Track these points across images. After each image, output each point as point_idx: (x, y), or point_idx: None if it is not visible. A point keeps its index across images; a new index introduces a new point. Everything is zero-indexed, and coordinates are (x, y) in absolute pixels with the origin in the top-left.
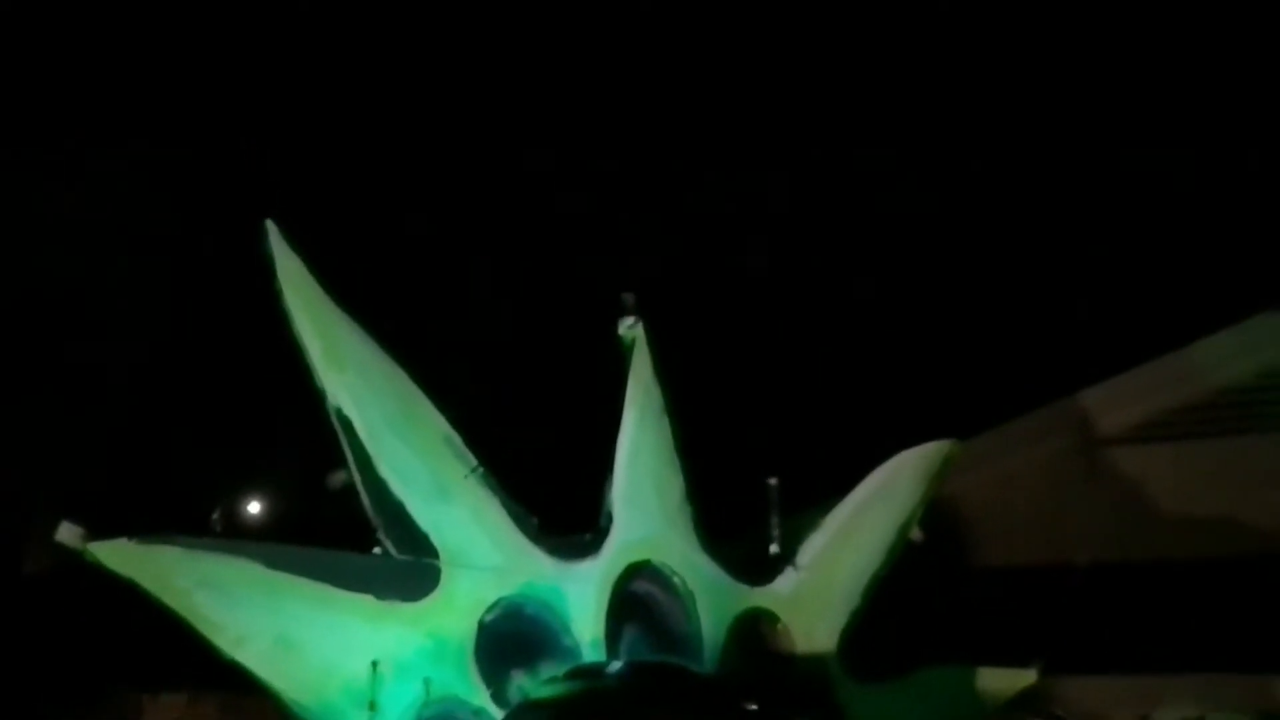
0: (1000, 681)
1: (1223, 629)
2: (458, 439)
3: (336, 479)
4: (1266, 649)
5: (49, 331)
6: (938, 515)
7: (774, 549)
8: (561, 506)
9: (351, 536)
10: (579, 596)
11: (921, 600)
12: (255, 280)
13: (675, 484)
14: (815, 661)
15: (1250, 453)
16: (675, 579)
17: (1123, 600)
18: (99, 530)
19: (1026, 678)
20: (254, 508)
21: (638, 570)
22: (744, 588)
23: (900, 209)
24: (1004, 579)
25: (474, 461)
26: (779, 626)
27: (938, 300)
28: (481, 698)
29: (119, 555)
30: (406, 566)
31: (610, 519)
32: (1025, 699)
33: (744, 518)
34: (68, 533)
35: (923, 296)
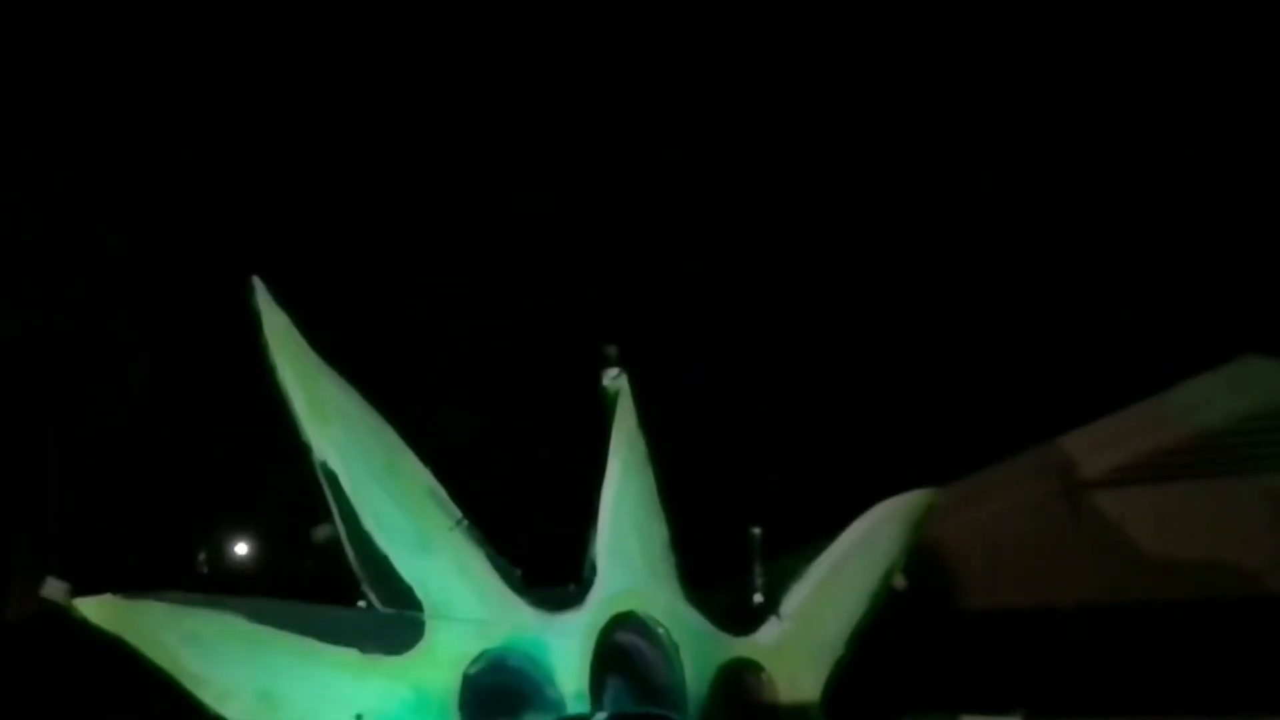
0: None
1: (1205, 672)
2: (442, 491)
3: (321, 532)
4: (1248, 692)
5: (34, 377)
6: (921, 559)
7: (757, 599)
8: (545, 558)
9: (336, 587)
10: (563, 648)
11: (905, 644)
12: (242, 333)
13: (659, 534)
14: (799, 711)
15: (1231, 495)
16: (659, 630)
17: (1106, 643)
18: (86, 579)
19: None
20: (240, 549)
21: (622, 621)
22: (727, 638)
23: (880, 256)
24: (987, 622)
25: (458, 514)
26: (763, 676)
27: (919, 347)
28: None
29: (104, 611)
30: (390, 619)
31: (594, 570)
32: None
33: (727, 567)
34: (53, 589)
35: (904, 344)
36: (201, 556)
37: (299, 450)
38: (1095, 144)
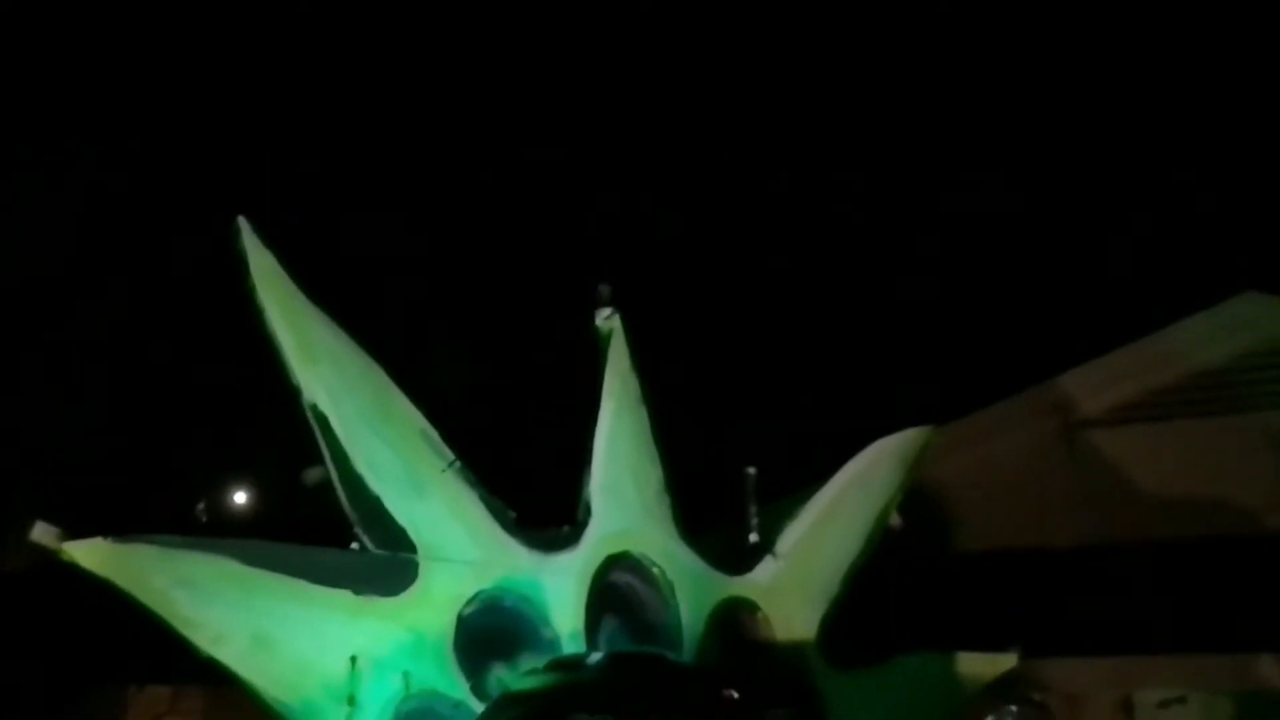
0: (979, 666)
1: (1204, 609)
2: (434, 433)
3: (313, 475)
4: (1247, 628)
5: (23, 326)
6: (918, 500)
7: (752, 538)
8: (539, 500)
9: (330, 532)
10: (558, 589)
11: (901, 585)
12: (231, 276)
13: (653, 475)
14: (794, 650)
15: (1229, 433)
16: (654, 569)
17: (1104, 582)
18: (79, 528)
19: (1006, 661)
20: (239, 498)
21: (616, 561)
22: (723, 577)
23: (878, 194)
24: (985, 563)
25: (450, 456)
26: (758, 615)
27: (915, 287)
28: (461, 691)
29: (95, 555)
30: (384, 561)
31: (588, 511)
32: (1005, 683)
33: (722, 508)
34: (43, 532)
35: (899, 283)
36: (200, 506)
37: (292, 394)
38: (1089, 77)
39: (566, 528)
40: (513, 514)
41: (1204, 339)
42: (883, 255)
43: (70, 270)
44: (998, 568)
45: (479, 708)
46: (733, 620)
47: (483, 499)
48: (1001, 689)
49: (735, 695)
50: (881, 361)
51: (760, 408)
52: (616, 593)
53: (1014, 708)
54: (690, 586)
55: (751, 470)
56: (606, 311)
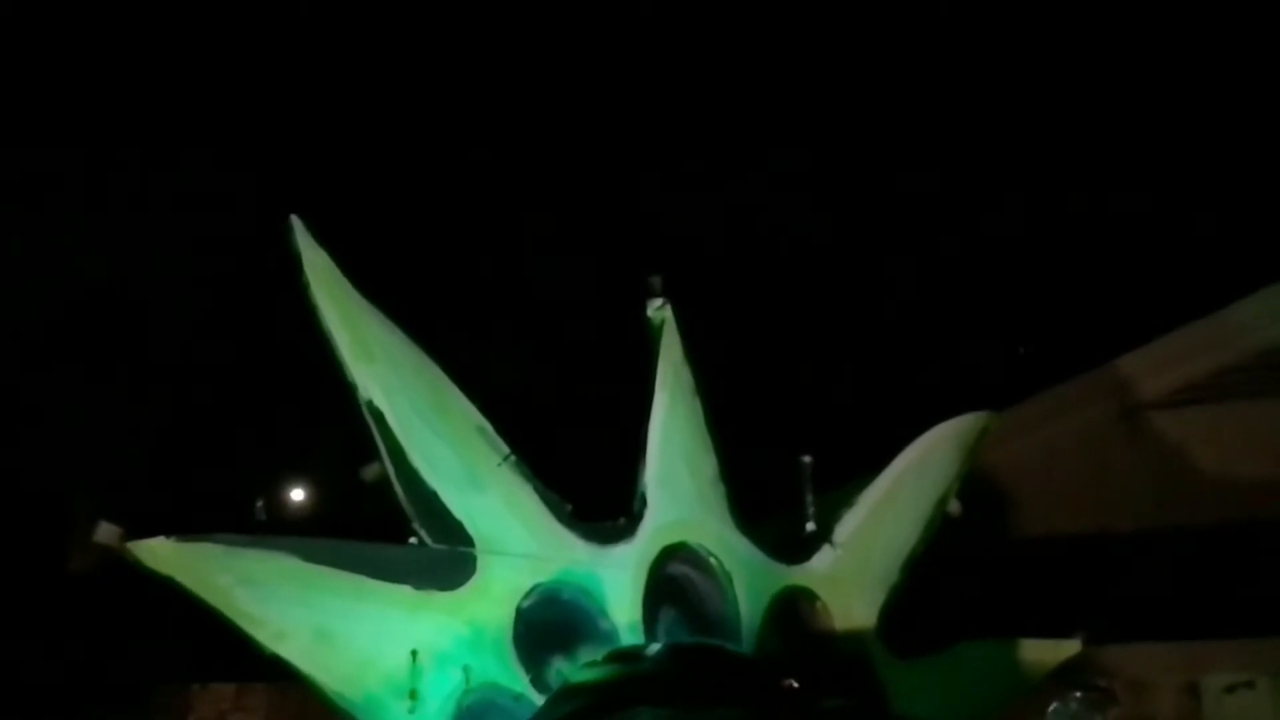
0: (1043, 653)
1: (1270, 592)
2: (489, 428)
3: (371, 471)
4: None
5: (90, 330)
6: (977, 486)
7: (810, 527)
8: (595, 492)
9: (388, 529)
10: (615, 580)
11: (962, 573)
12: (285, 274)
13: (708, 464)
14: (854, 639)
15: None
16: (711, 560)
17: (1167, 566)
18: (142, 526)
19: (1070, 648)
20: (296, 496)
21: (673, 552)
22: (781, 566)
23: (932, 176)
24: (1046, 548)
25: (506, 450)
26: (817, 605)
27: (973, 270)
28: (521, 684)
29: (158, 554)
30: (442, 556)
31: (644, 502)
32: (1069, 669)
33: (779, 497)
34: (106, 533)
35: (957, 266)
36: (259, 504)
37: (347, 392)
38: (1147, 52)
39: (623, 520)
40: (569, 507)
41: (1265, 317)
42: (941, 239)
43: (128, 272)
44: (1059, 553)
45: (539, 700)
46: (791, 610)
47: (539, 492)
48: (1065, 676)
49: (795, 685)
50: (938, 346)
51: (816, 396)
52: (674, 584)
53: (1079, 694)
54: (748, 576)
55: (807, 458)
56: (658, 302)
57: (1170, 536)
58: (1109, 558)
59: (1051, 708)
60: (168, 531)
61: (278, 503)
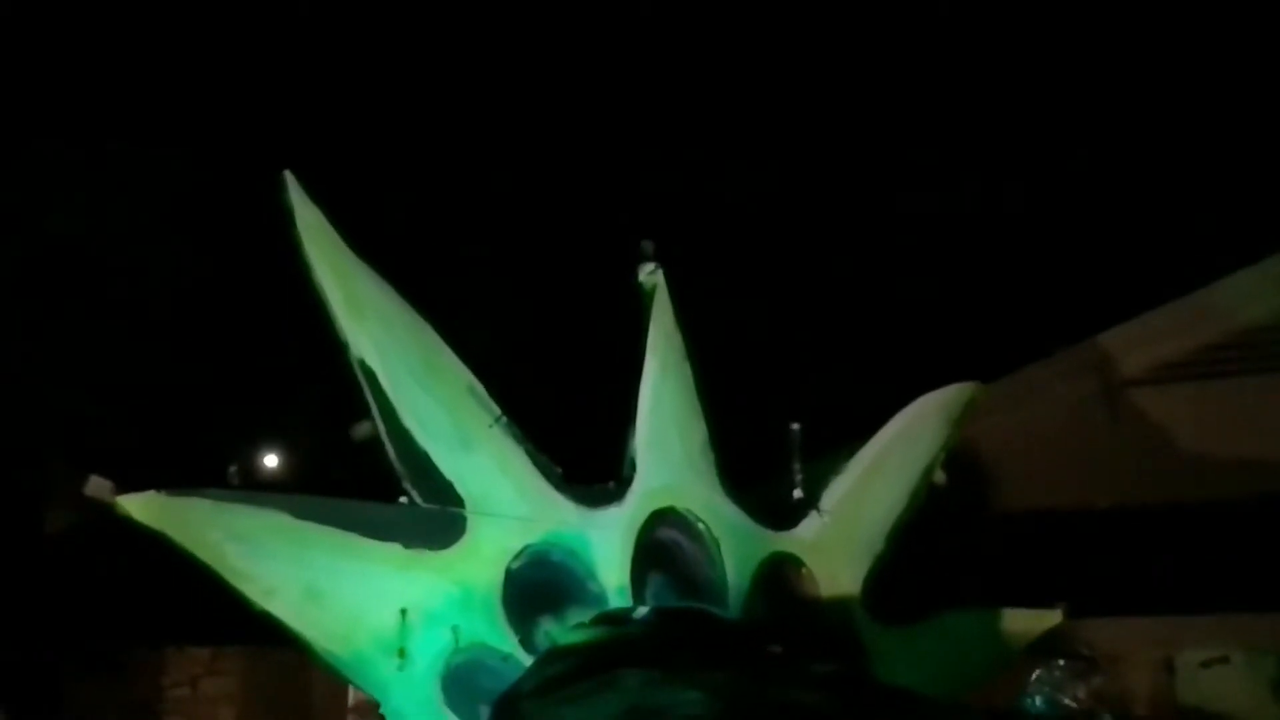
0: (1025, 623)
1: (1247, 569)
2: (480, 389)
3: (361, 429)
4: None
5: (63, 288)
6: (957, 461)
7: (797, 494)
8: (584, 455)
9: (366, 493)
10: (604, 543)
11: (941, 546)
12: (275, 231)
13: (698, 430)
14: (839, 605)
15: (1273, 391)
16: (699, 525)
17: (1145, 542)
18: (122, 486)
19: (1052, 618)
20: (270, 461)
21: (662, 517)
22: (768, 533)
23: (923, 149)
24: (1024, 523)
25: (497, 411)
26: (803, 571)
27: (955, 246)
28: (510, 644)
29: (149, 509)
30: (432, 515)
31: (633, 467)
32: (1050, 640)
33: (767, 464)
34: (96, 486)
35: (940, 242)
36: (233, 469)
37: (331, 356)
38: (1133, 30)
39: (612, 484)
40: (559, 469)
41: (1247, 295)
42: (929, 214)
43: (105, 230)
44: (1038, 528)
45: (528, 661)
46: (778, 576)
47: (529, 454)
48: (1046, 646)
49: (780, 650)
50: (920, 321)
51: (803, 365)
52: (662, 548)
53: (1062, 662)
54: (735, 542)
55: (796, 426)
56: (650, 267)
57: (1148, 513)
58: (1087, 533)
59: (1035, 675)
60: (152, 488)
61: (251, 468)
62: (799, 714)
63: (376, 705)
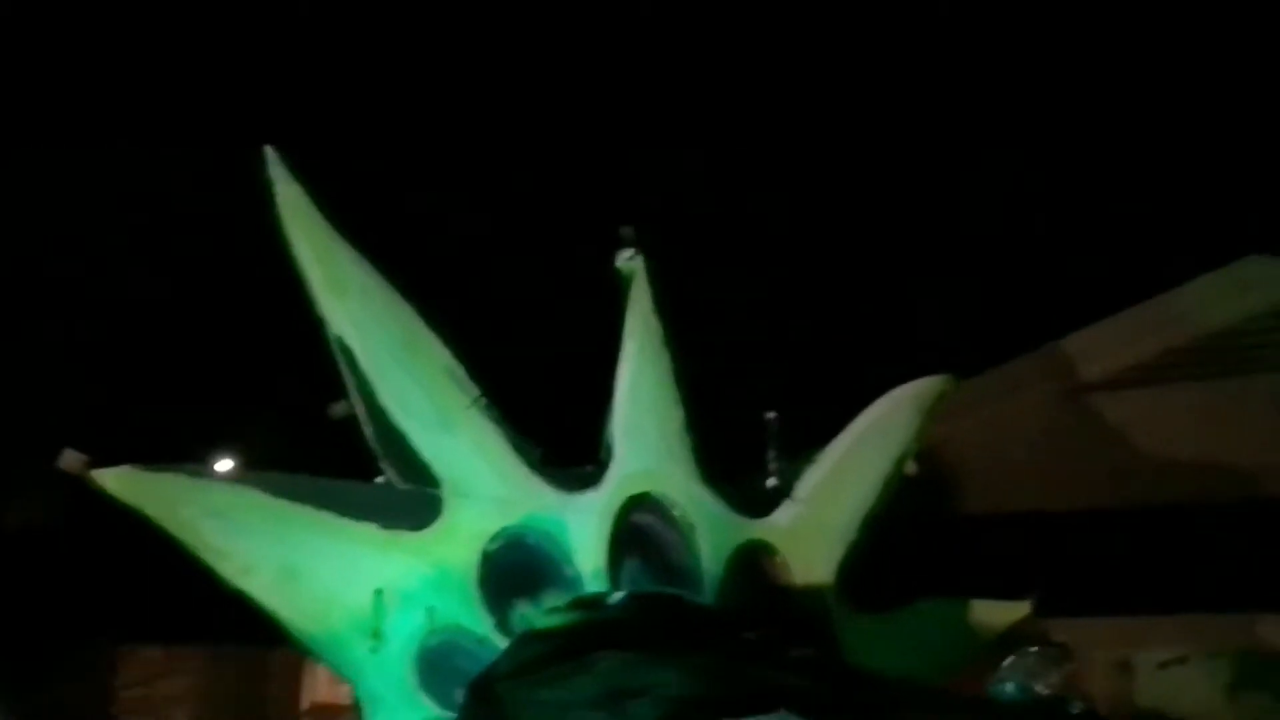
0: (995, 614)
1: (1206, 571)
2: (460, 370)
3: (339, 408)
4: (1249, 591)
5: (26, 268)
6: (922, 460)
7: (772, 482)
8: (562, 438)
9: (346, 472)
10: (581, 527)
11: (904, 547)
12: (254, 209)
13: (675, 416)
14: (813, 593)
15: (1236, 396)
16: (676, 511)
17: (1105, 544)
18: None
19: (1021, 610)
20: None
21: (638, 502)
22: (743, 520)
23: (897, 150)
24: (987, 524)
25: (475, 392)
26: (778, 559)
27: (920, 247)
28: (486, 627)
29: (124, 483)
30: (410, 496)
31: (610, 451)
32: (1021, 630)
33: (744, 456)
34: (71, 460)
35: (910, 245)
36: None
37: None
38: (1095, 32)
39: (590, 467)
40: (537, 452)
41: (1212, 300)
42: (901, 216)
43: (68, 207)
44: (999, 529)
45: (503, 644)
46: (753, 563)
47: (507, 436)
48: (1018, 635)
49: (755, 635)
50: (889, 325)
51: (776, 361)
52: (638, 533)
53: (1034, 649)
54: (711, 529)
55: (772, 415)
56: (629, 253)
57: (1110, 515)
58: (1046, 535)
59: (1007, 662)
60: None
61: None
62: (778, 694)
63: (332, 708)
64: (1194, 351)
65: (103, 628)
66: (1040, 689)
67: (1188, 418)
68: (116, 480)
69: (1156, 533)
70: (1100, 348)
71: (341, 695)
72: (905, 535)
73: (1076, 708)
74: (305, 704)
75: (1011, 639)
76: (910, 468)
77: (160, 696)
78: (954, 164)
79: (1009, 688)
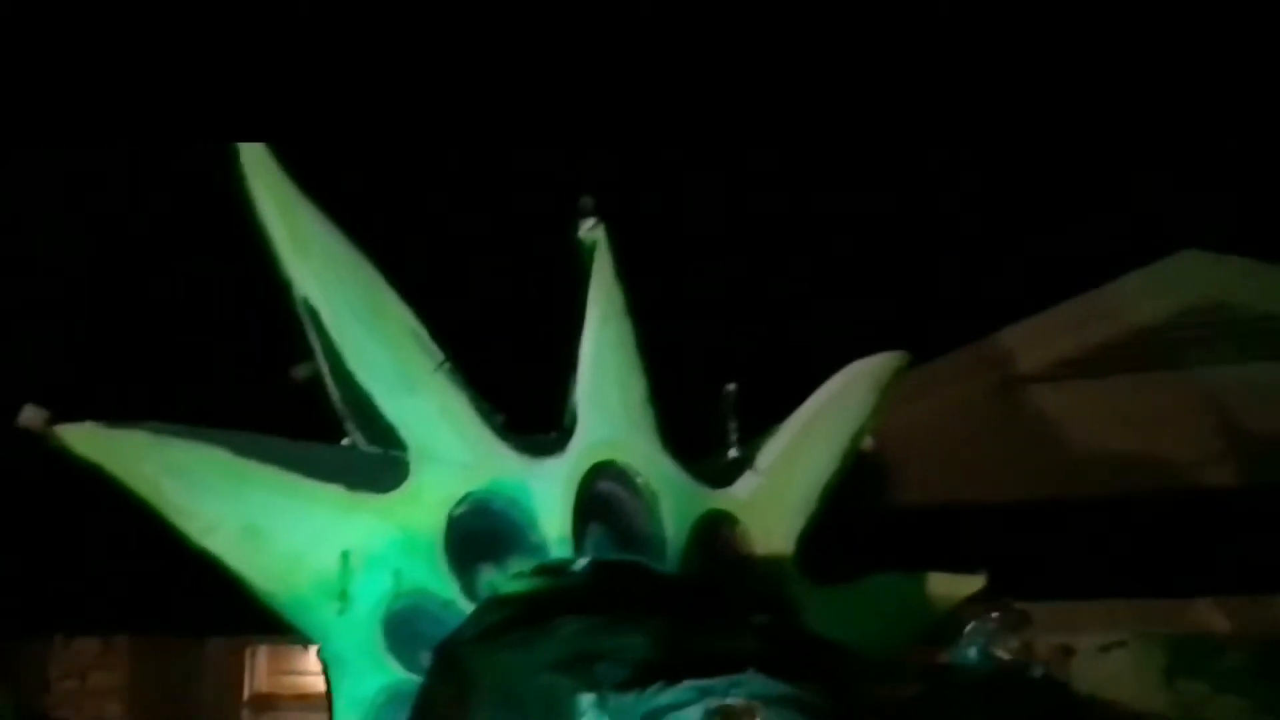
0: (948, 586)
1: (1141, 560)
2: (424, 333)
3: (303, 369)
4: (1182, 577)
5: None
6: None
7: (732, 453)
8: (525, 404)
9: (311, 434)
10: (545, 494)
11: (841, 541)
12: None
13: (638, 385)
14: (773, 564)
15: (1166, 390)
16: (639, 479)
17: (1042, 534)
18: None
19: (974, 582)
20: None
21: (602, 470)
22: (705, 490)
23: (837, 135)
24: (923, 514)
25: (440, 356)
26: (738, 529)
27: (862, 240)
28: (451, 591)
29: (85, 439)
30: (375, 458)
31: (574, 418)
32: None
33: (707, 428)
34: (32, 416)
35: (850, 235)
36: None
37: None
38: (1031, 31)
39: (553, 434)
40: (501, 417)
41: (1142, 296)
42: (846, 199)
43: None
44: (934, 522)
45: (468, 608)
46: (714, 532)
47: (472, 401)
48: (974, 603)
49: (717, 604)
50: (819, 317)
51: (734, 333)
52: (602, 501)
53: (995, 614)
54: (674, 498)
55: (731, 386)
56: (590, 222)
57: (1043, 507)
58: (984, 525)
59: (969, 627)
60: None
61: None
62: (741, 659)
63: (272, 698)
64: (1123, 346)
65: (36, 619)
66: (1001, 654)
67: (1117, 412)
68: (77, 436)
69: (1091, 523)
70: (1035, 341)
71: (282, 687)
72: (844, 524)
73: (1037, 672)
74: (245, 695)
75: (970, 604)
76: (867, 442)
77: (95, 689)
78: (899, 154)
79: (971, 653)
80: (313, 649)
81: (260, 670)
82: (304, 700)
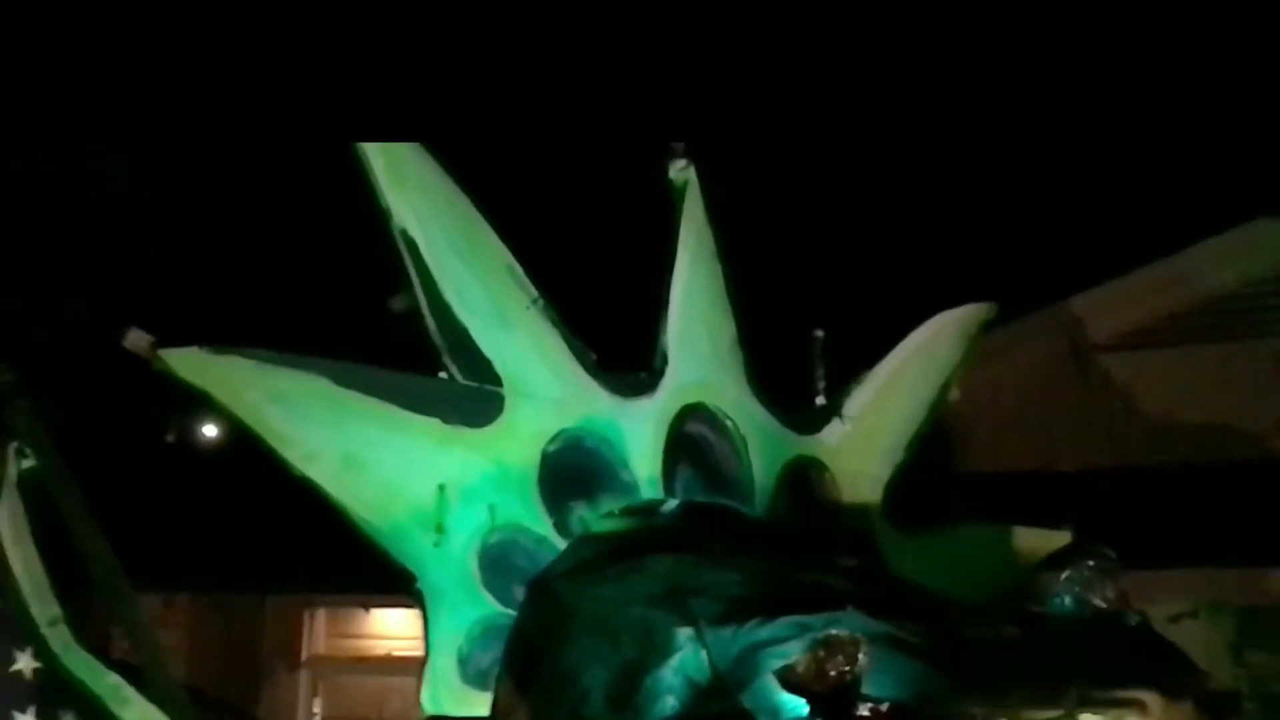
0: (1035, 540)
1: (1211, 529)
2: (519, 269)
3: (400, 301)
4: (1255, 547)
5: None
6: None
7: (820, 400)
8: (617, 343)
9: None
10: (636, 433)
11: (907, 502)
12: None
13: (727, 328)
14: (860, 512)
15: (1239, 358)
16: (728, 422)
17: (1112, 503)
18: None
19: (1062, 537)
20: (209, 431)
21: (692, 412)
22: (793, 436)
23: (928, 101)
24: (991, 481)
25: (534, 292)
26: (826, 475)
27: (927, 208)
28: (545, 527)
29: (189, 364)
30: (471, 392)
31: (665, 359)
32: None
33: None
34: (136, 339)
35: (910, 203)
36: (170, 436)
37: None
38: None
39: (644, 374)
40: (593, 355)
41: (1217, 263)
42: (909, 172)
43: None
44: (1004, 489)
45: (561, 545)
46: (801, 478)
47: (565, 338)
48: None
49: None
50: (895, 283)
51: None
52: (692, 443)
53: (1092, 562)
54: (762, 442)
55: (819, 333)
56: (681, 163)
57: (1116, 474)
58: (1052, 491)
59: (1064, 575)
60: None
61: (188, 431)
62: (840, 597)
63: (331, 660)
64: (1199, 314)
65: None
66: (1097, 601)
67: (1190, 380)
68: (182, 361)
69: (1161, 492)
70: (1104, 309)
71: (340, 649)
72: (909, 492)
73: (1133, 620)
74: (304, 657)
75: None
76: (954, 393)
77: None
78: (984, 120)
79: (1066, 601)
80: (372, 613)
81: (319, 633)
82: (361, 663)
